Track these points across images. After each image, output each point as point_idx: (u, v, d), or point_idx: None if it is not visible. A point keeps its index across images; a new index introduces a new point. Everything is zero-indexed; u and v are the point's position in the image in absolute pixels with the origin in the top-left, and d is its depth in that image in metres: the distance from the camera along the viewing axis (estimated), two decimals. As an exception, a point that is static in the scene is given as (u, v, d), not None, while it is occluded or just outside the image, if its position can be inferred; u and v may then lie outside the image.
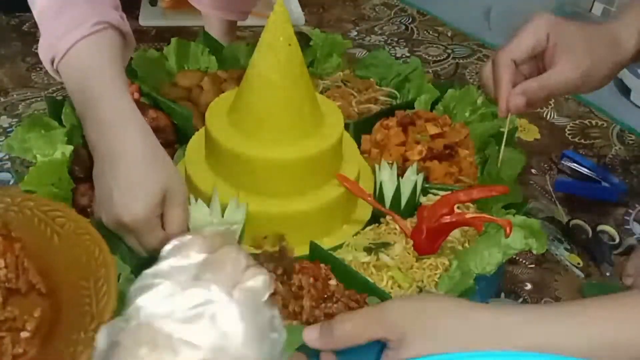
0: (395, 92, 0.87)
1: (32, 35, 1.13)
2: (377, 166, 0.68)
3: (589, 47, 0.58)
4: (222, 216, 0.58)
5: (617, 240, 0.71)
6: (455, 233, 0.62)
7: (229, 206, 0.58)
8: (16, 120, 0.87)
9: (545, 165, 0.84)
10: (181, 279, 0.33)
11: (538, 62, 0.62)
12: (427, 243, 0.60)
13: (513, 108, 0.59)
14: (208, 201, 0.60)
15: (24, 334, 0.46)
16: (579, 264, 0.68)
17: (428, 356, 0.34)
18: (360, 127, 0.77)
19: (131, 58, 0.86)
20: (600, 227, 0.73)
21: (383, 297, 0.53)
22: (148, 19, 1.20)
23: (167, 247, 0.36)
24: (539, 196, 0.78)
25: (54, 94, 0.93)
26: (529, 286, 0.65)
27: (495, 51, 0.63)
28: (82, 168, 0.66)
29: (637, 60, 0.60)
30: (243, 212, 0.58)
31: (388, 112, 0.79)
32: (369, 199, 0.65)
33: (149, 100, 0.79)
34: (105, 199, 0.55)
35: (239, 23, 1.18)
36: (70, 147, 0.66)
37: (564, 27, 0.60)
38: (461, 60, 1.11)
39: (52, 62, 0.57)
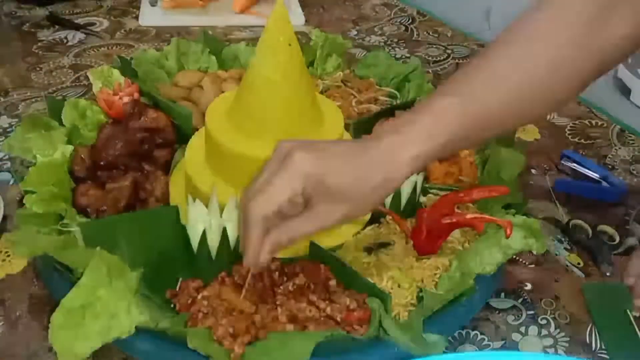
0: (395, 92, 0.87)
1: (32, 35, 1.13)
2: (377, 166, 0.67)
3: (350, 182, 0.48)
4: (221, 216, 0.58)
5: (617, 240, 0.71)
6: (455, 233, 0.62)
7: (227, 206, 0.58)
8: (16, 120, 0.87)
9: (545, 166, 0.84)
10: None
11: None
12: (427, 243, 0.60)
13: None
14: (208, 201, 0.60)
15: None
16: (579, 263, 0.68)
17: (429, 356, 0.34)
18: (360, 127, 0.77)
19: (131, 58, 0.87)
20: (600, 227, 0.73)
21: (383, 297, 0.53)
22: (148, 19, 1.20)
23: None
24: (539, 196, 0.78)
25: (54, 94, 0.93)
26: (529, 286, 0.65)
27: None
28: (82, 168, 0.66)
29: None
30: None
31: (388, 112, 0.79)
32: (369, 199, 0.64)
33: (149, 100, 0.79)
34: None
35: (239, 23, 1.18)
36: (70, 147, 0.66)
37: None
38: (461, 60, 1.11)
39: None
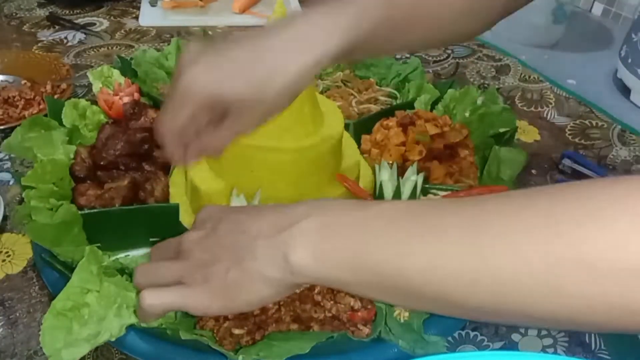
0: (395, 92, 0.87)
1: (32, 36, 1.13)
2: (377, 166, 0.68)
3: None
4: None
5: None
6: (456, 233, 0.62)
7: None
8: (16, 120, 0.87)
9: (546, 166, 0.84)
10: None
11: None
12: (427, 243, 0.60)
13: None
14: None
15: None
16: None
17: (428, 356, 0.34)
18: (360, 127, 0.77)
19: (131, 58, 0.87)
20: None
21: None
22: (148, 19, 1.20)
23: None
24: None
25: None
26: (529, 286, 0.65)
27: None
28: (83, 168, 0.66)
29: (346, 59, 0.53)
30: None
31: (388, 112, 0.79)
32: (369, 199, 0.64)
33: (149, 100, 0.79)
34: None
35: (239, 22, 1.18)
36: (73, 147, 0.66)
37: None
38: (461, 60, 1.11)
39: None
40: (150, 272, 0.47)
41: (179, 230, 0.59)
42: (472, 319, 0.43)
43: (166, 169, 0.70)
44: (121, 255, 0.59)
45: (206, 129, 0.48)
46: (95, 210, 0.60)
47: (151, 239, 0.60)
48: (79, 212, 0.58)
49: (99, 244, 0.57)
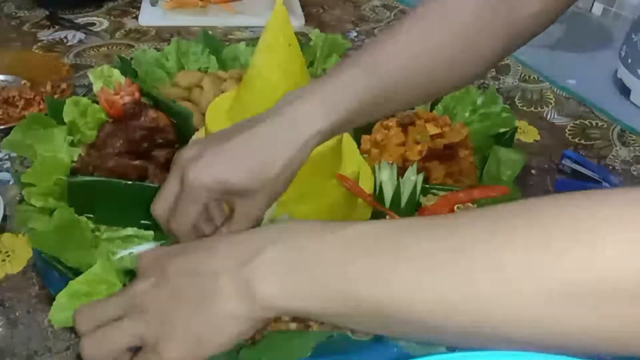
0: (396, 92, 0.87)
1: (32, 36, 1.13)
2: (377, 166, 0.68)
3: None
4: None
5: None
6: (456, 233, 0.62)
7: (279, 218, 0.58)
8: (16, 120, 0.87)
9: (546, 166, 0.84)
10: None
11: None
12: (427, 243, 0.60)
13: None
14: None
15: None
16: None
17: (428, 356, 0.34)
18: (360, 127, 0.77)
19: (131, 58, 0.87)
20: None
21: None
22: (148, 19, 1.20)
23: None
24: (539, 196, 0.78)
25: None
26: (529, 286, 0.65)
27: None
28: (84, 166, 0.67)
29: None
30: None
31: (388, 112, 0.79)
32: (369, 199, 0.64)
33: (149, 100, 0.79)
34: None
35: (239, 23, 1.18)
36: (77, 150, 0.66)
37: None
38: (461, 61, 1.11)
39: None
40: (100, 341, 0.40)
41: None
42: (452, 345, 0.41)
43: (166, 168, 0.70)
44: (124, 252, 0.59)
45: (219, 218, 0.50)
46: (90, 179, 0.59)
47: (142, 222, 0.59)
48: (72, 179, 0.58)
49: (90, 215, 0.57)
